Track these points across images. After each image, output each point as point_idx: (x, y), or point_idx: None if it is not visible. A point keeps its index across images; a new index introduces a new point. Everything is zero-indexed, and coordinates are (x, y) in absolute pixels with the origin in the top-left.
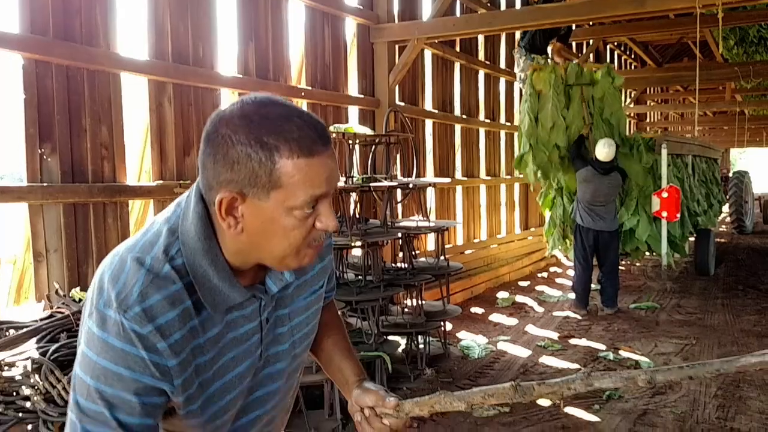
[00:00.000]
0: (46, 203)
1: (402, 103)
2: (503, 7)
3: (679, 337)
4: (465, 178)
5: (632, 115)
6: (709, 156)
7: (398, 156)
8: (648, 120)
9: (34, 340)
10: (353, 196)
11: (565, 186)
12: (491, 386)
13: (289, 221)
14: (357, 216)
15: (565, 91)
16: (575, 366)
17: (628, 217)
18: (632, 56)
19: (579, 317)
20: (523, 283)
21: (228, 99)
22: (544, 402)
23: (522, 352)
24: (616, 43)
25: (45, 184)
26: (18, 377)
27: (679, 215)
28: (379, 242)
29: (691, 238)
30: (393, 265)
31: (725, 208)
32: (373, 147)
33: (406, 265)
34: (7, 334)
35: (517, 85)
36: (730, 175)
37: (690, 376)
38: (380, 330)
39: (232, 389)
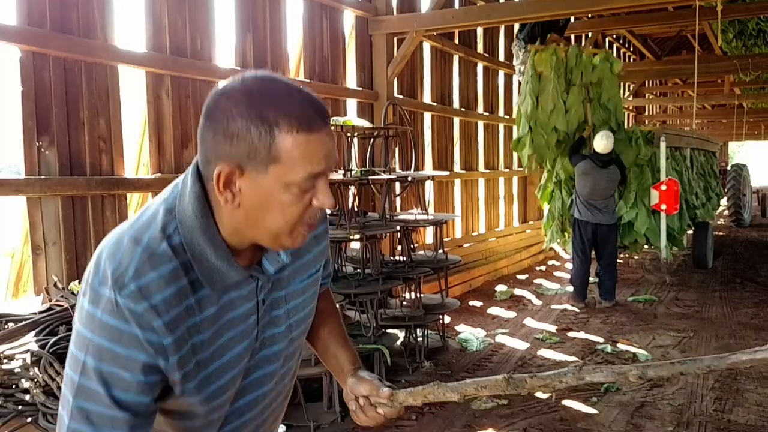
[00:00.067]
0: (44, 196)
1: (400, 96)
2: None
3: (677, 329)
4: (463, 171)
5: (631, 108)
6: (707, 149)
7: (397, 149)
8: (646, 113)
9: (33, 332)
10: (352, 189)
11: (563, 172)
12: (484, 378)
13: (287, 197)
14: (355, 209)
15: (565, 75)
16: (573, 359)
17: (627, 210)
18: (631, 49)
19: (577, 310)
20: (522, 276)
21: None
22: (542, 394)
23: (520, 345)
24: (614, 36)
25: (43, 177)
26: (17, 370)
27: (677, 208)
28: (377, 235)
29: (690, 231)
30: (391, 258)
31: (723, 201)
32: (372, 140)
33: (405, 259)
34: (6, 327)
35: (516, 78)
36: (729, 168)
37: (681, 372)
38: (379, 323)
39: (229, 369)
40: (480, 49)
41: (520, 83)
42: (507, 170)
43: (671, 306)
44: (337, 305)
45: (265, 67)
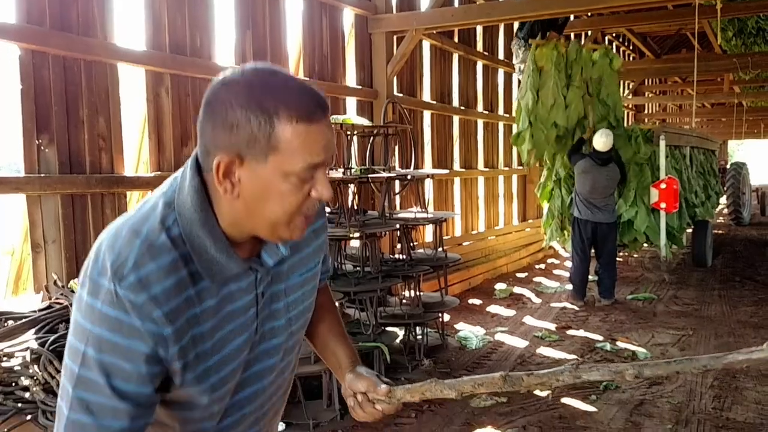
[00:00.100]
0: (43, 194)
1: (400, 94)
2: None
3: (676, 328)
4: (463, 170)
5: (630, 106)
6: (707, 147)
7: (396, 147)
8: (646, 111)
9: (33, 330)
10: (351, 187)
11: (563, 170)
12: (481, 375)
13: (285, 187)
14: (355, 207)
15: (565, 70)
16: (572, 357)
17: (627, 208)
18: (630, 47)
19: (576, 308)
20: (521, 275)
21: None
22: (541, 392)
23: (519, 343)
24: (614, 34)
25: (43, 175)
26: (17, 368)
27: (677, 206)
28: (377, 233)
29: (689, 230)
30: (391, 256)
31: (723, 200)
32: (371, 138)
33: (405, 257)
34: (6, 324)
35: (515, 77)
36: (728, 166)
37: (678, 371)
38: (378, 321)
39: (229, 362)
40: (479, 47)
41: (520, 81)
42: (506, 168)
43: (670, 304)
44: (337, 303)
45: None
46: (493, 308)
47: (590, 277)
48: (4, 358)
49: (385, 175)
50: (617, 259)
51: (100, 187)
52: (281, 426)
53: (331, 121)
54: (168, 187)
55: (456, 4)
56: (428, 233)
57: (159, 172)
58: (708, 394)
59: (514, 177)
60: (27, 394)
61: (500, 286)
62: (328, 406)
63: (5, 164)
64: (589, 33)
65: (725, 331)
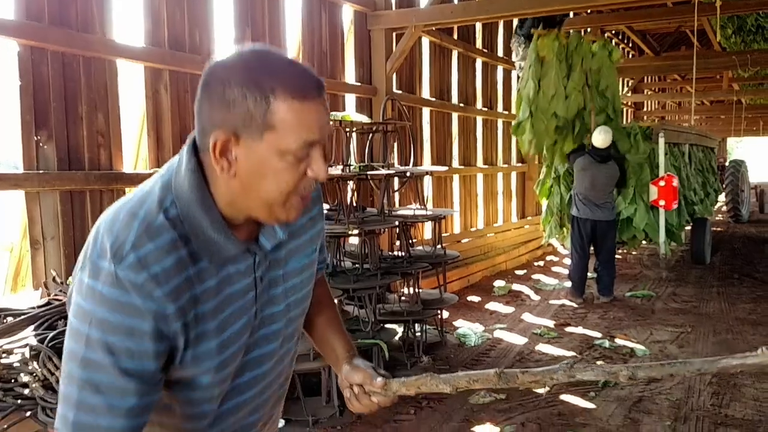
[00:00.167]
0: (42, 190)
1: (399, 91)
2: None
3: (675, 325)
4: (462, 167)
5: (629, 104)
6: (706, 145)
7: (395, 144)
8: (645, 109)
9: (32, 327)
10: (350, 184)
11: (562, 167)
12: (476, 371)
13: (281, 165)
14: (354, 204)
15: (566, 61)
16: (571, 354)
17: (626, 205)
18: (630, 45)
19: (575, 305)
20: (520, 272)
21: None
22: (540, 389)
23: (518, 340)
24: (613, 32)
25: (41, 172)
26: (16, 364)
27: (676, 204)
28: (376, 231)
29: (688, 227)
30: (390, 253)
31: (721, 197)
32: (371, 135)
33: (403, 254)
34: (5, 321)
35: (515, 74)
36: (727, 164)
37: (672, 374)
38: (377, 318)
39: (230, 345)
40: (479, 44)
41: (519, 78)
42: (506, 166)
43: (669, 301)
44: (336, 300)
45: None
46: (491, 305)
47: (589, 274)
48: (4, 355)
49: (384, 172)
50: (616, 256)
51: (99, 183)
52: (281, 423)
53: (331, 118)
54: (165, 170)
55: (455, 0)
56: (427, 230)
57: (158, 169)
58: (707, 391)
59: (513, 174)
60: (26, 391)
61: (499, 283)
62: (327, 402)
63: (2, 161)
64: (588, 30)
65: (724, 328)
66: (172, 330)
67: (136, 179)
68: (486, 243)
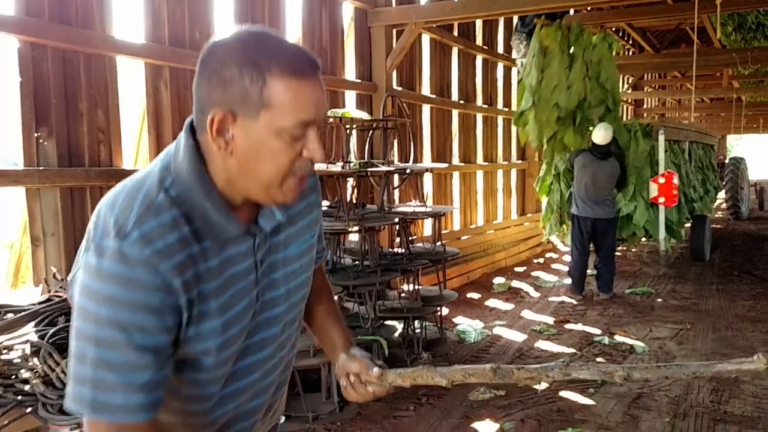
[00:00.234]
0: (42, 187)
1: (399, 88)
2: None
3: (674, 321)
4: (462, 164)
5: (629, 101)
6: (705, 142)
7: (395, 141)
8: (645, 106)
9: (33, 323)
10: (350, 181)
11: (561, 160)
12: (472, 366)
13: (277, 144)
14: (354, 201)
15: (568, 51)
16: (570, 350)
17: (626, 202)
18: (630, 42)
19: (575, 302)
20: (520, 269)
21: None
22: (540, 385)
23: (517, 337)
24: (613, 29)
25: (42, 168)
26: (17, 360)
27: (676, 201)
28: (376, 227)
29: (687, 224)
30: (390, 250)
31: (721, 195)
32: (371, 132)
33: (403, 251)
34: (6, 317)
35: (515, 71)
36: (727, 161)
37: (666, 377)
38: (377, 314)
39: (232, 326)
40: (479, 41)
41: (520, 75)
42: (505, 163)
43: (668, 298)
44: (336, 297)
45: None
46: (491, 302)
47: (589, 271)
48: (4, 351)
49: (384, 169)
50: (616, 253)
51: (99, 180)
52: (281, 419)
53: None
54: (164, 155)
55: None
56: (427, 227)
57: None
58: (706, 387)
59: (513, 171)
60: (27, 387)
61: (499, 280)
62: (327, 398)
63: (2, 158)
64: (589, 27)
65: (723, 325)
66: (179, 304)
67: None
68: (486, 240)
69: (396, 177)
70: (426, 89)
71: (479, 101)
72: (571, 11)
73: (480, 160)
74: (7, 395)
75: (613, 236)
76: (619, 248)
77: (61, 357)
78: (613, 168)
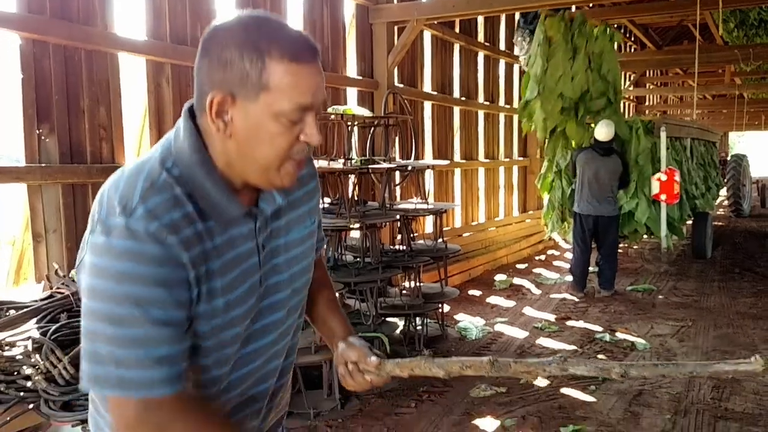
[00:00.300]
0: (44, 184)
1: (401, 85)
2: None
3: (676, 319)
4: (463, 161)
5: (631, 98)
6: (707, 139)
7: (397, 138)
8: (647, 103)
9: (35, 320)
10: (352, 178)
11: (562, 157)
12: (470, 358)
13: (275, 127)
14: (355, 198)
15: (571, 42)
16: (572, 347)
17: (627, 199)
18: (632, 38)
19: (576, 299)
20: (521, 266)
21: None
22: (541, 382)
23: (519, 334)
24: (616, 25)
25: (43, 165)
26: (19, 357)
27: (678, 197)
28: (377, 224)
29: (689, 222)
30: (391, 247)
31: (723, 192)
32: (372, 129)
33: (405, 248)
34: (8, 314)
35: (517, 68)
36: (729, 158)
37: (664, 375)
38: (378, 311)
39: (236, 306)
40: (481, 38)
41: (522, 72)
42: (507, 160)
43: (670, 295)
44: (337, 294)
45: None
46: (492, 299)
47: (590, 268)
48: (6, 348)
49: (385, 165)
50: (618, 250)
51: (101, 177)
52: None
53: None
54: (164, 140)
55: None
56: (428, 224)
57: None
58: (707, 384)
59: (515, 168)
60: (29, 383)
61: (500, 277)
62: (329, 395)
63: (3, 155)
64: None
65: (724, 322)
66: (188, 280)
67: None
68: (487, 237)
69: (397, 174)
70: (427, 86)
71: (481, 98)
72: (573, 8)
73: (481, 157)
74: (9, 391)
75: (616, 233)
76: (621, 245)
77: (63, 353)
78: (616, 165)
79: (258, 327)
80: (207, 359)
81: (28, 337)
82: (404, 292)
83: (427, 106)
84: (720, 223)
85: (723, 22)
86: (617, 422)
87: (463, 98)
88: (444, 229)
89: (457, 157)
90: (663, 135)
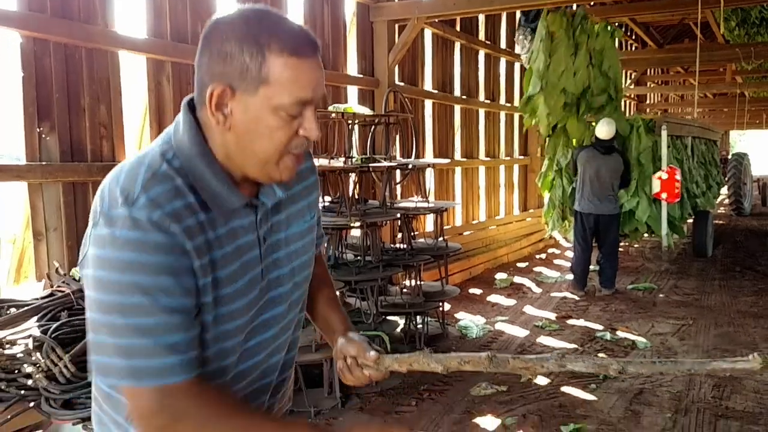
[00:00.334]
0: (45, 182)
1: (401, 84)
2: None
3: (676, 317)
4: (464, 159)
5: (632, 96)
6: (708, 138)
7: (397, 136)
8: (648, 101)
9: (35, 318)
10: (352, 176)
11: (563, 155)
12: (469, 353)
13: (274, 121)
14: (356, 197)
15: (573, 38)
16: (572, 346)
17: (628, 198)
18: (633, 37)
19: (577, 298)
20: (522, 264)
21: None
22: (542, 381)
23: (519, 332)
24: (617, 24)
25: (44, 163)
26: (19, 355)
27: (679, 196)
28: (378, 223)
29: (690, 220)
30: (392, 245)
31: (724, 190)
32: (373, 127)
33: (405, 246)
34: (8, 312)
35: (518, 66)
36: (729, 157)
37: (661, 372)
38: (379, 310)
39: (237, 298)
40: (482, 36)
41: (524, 69)
42: (508, 158)
43: (671, 294)
44: (338, 292)
45: None
46: (493, 298)
47: (591, 267)
48: (7, 346)
49: (386, 164)
50: (618, 249)
51: (102, 175)
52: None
53: (333, 110)
54: (164, 134)
55: None
56: (429, 223)
57: None
58: (707, 383)
59: (516, 167)
60: (30, 382)
61: (501, 275)
62: (329, 394)
63: (4, 154)
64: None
65: (725, 320)
66: (193, 268)
67: None
68: (488, 235)
69: (398, 172)
70: (428, 84)
71: (482, 96)
72: (575, 6)
73: (482, 155)
74: (10, 390)
75: (617, 232)
76: (622, 244)
77: (63, 352)
78: (617, 164)
79: (260, 321)
80: (207, 351)
81: (29, 336)
82: (405, 290)
83: (428, 104)
84: (721, 222)
85: (724, 21)
86: (618, 421)
87: (464, 97)
88: (444, 227)
89: (457, 156)
90: (664, 133)
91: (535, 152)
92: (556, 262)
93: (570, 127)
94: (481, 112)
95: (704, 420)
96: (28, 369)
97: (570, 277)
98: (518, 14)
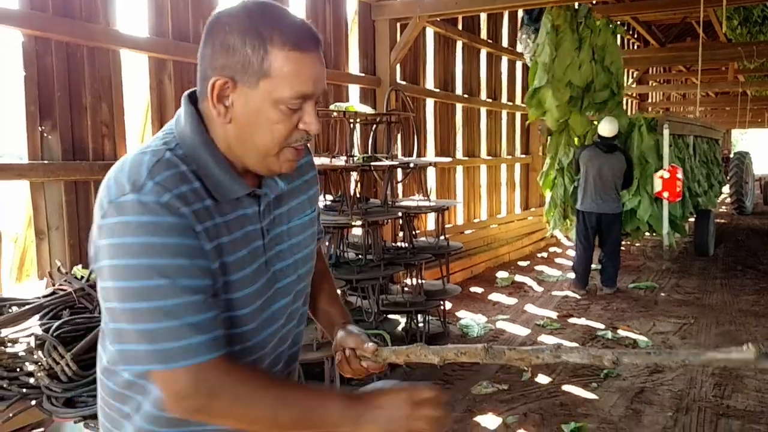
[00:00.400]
0: (47, 181)
1: (403, 82)
2: None
3: (678, 316)
4: (466, 158)
5: (634, 95)
6: (710, 137)
7: (399, 135)
8: (650, 100)
9: (37, 316)
10: (354, 175)
11: (565, 154)
12: (465, 345)
13: (275, 114)
14: (358, 195)
15: (577, 32)
16: (573, 345)
17: (630, 197)
18: (635, 36)
19: (578, 297)
20: (523, 263)
21: None
22: (543, 379)
23: (521, 331)
24: (619, 22)
25: (46, 162)
26: (21, 354)
27: (680, 195)
28: (379, 221)
29: (691, 219)
30: (393, 244)
31: (726, 189)
32: (374, 126)
33: (407, 245)
34: (10, 311)
35: (520, 65)
36: (731, 155)
37: (656, 363)
38: (380, 308)
39: (242, 287)
40: (483, 35)
41: (525, 67)
42: (509, 157)
43: (672, 293)
44: (339, 291)
45: None
46: (494, 296)
47: (593, 265)
48: (9, 344)
49: (387, 163)
50: (620, 248)
51: (104, 174)
52: None
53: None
54: (166, 126)
55: None
56: (430, 221)
57: None
58: (708, 381)
59: (517, 165)
60: (31, 380)
61: (502, 274)
62: None
63: (6, 152)
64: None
65: (727, 319)
66: (205, 250)
67: None
68: (489, 234)
69: (399, 171)
70: (430, 83)
71: (483, 95)
72: (577, 5)
73: (484, 154)
74: (12, 388)
75: (619, 231)
76: (623, 243)
77: (65, 350)
78: (620, 162)
79: (269, 314)
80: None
81: (31, 334)
82: (406, 289)
83: (430, 103)
84: (722, 221)
85: (726, 20)
86: (619, 419)
87: (466, 95)
88: (446, 226)
89: (459, 155)
90: (666, 132)
91: (537, 151)
92: (558, 260)
93: (573, 121)
94: (483, 110)
95: (705, 419)
96: (30, 367)
97: (571, 275)
98: (521, 14)
